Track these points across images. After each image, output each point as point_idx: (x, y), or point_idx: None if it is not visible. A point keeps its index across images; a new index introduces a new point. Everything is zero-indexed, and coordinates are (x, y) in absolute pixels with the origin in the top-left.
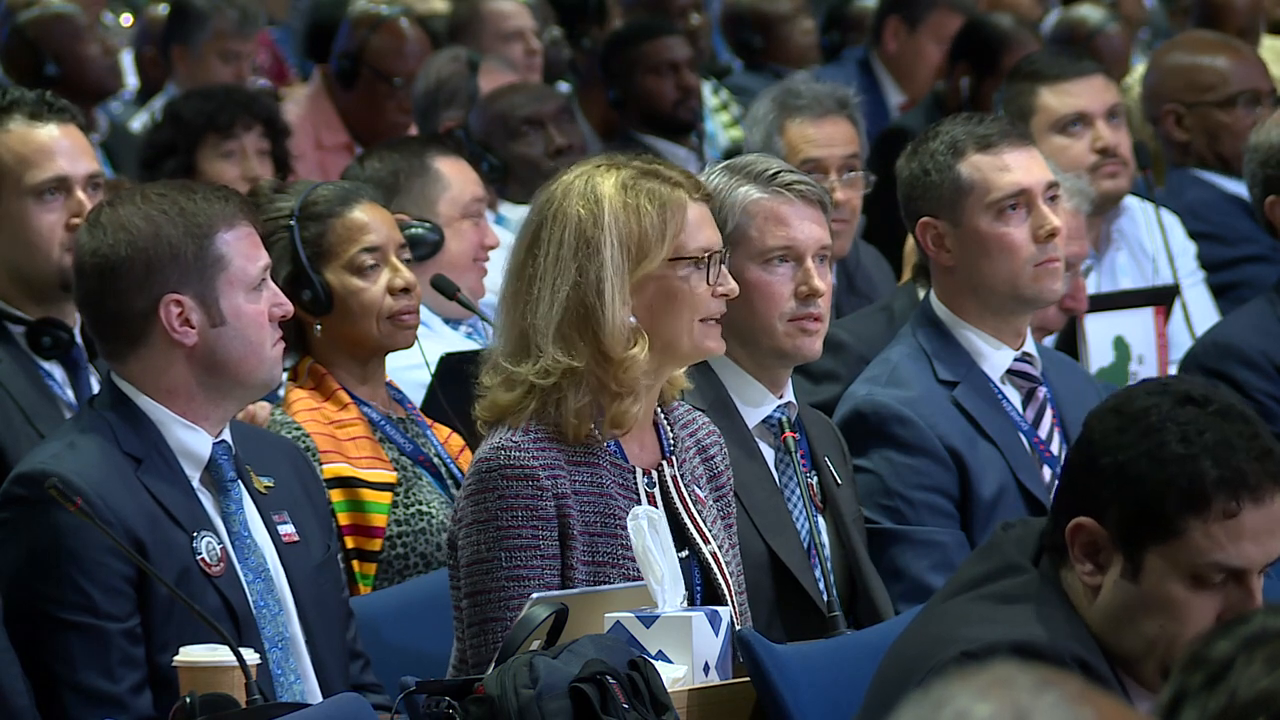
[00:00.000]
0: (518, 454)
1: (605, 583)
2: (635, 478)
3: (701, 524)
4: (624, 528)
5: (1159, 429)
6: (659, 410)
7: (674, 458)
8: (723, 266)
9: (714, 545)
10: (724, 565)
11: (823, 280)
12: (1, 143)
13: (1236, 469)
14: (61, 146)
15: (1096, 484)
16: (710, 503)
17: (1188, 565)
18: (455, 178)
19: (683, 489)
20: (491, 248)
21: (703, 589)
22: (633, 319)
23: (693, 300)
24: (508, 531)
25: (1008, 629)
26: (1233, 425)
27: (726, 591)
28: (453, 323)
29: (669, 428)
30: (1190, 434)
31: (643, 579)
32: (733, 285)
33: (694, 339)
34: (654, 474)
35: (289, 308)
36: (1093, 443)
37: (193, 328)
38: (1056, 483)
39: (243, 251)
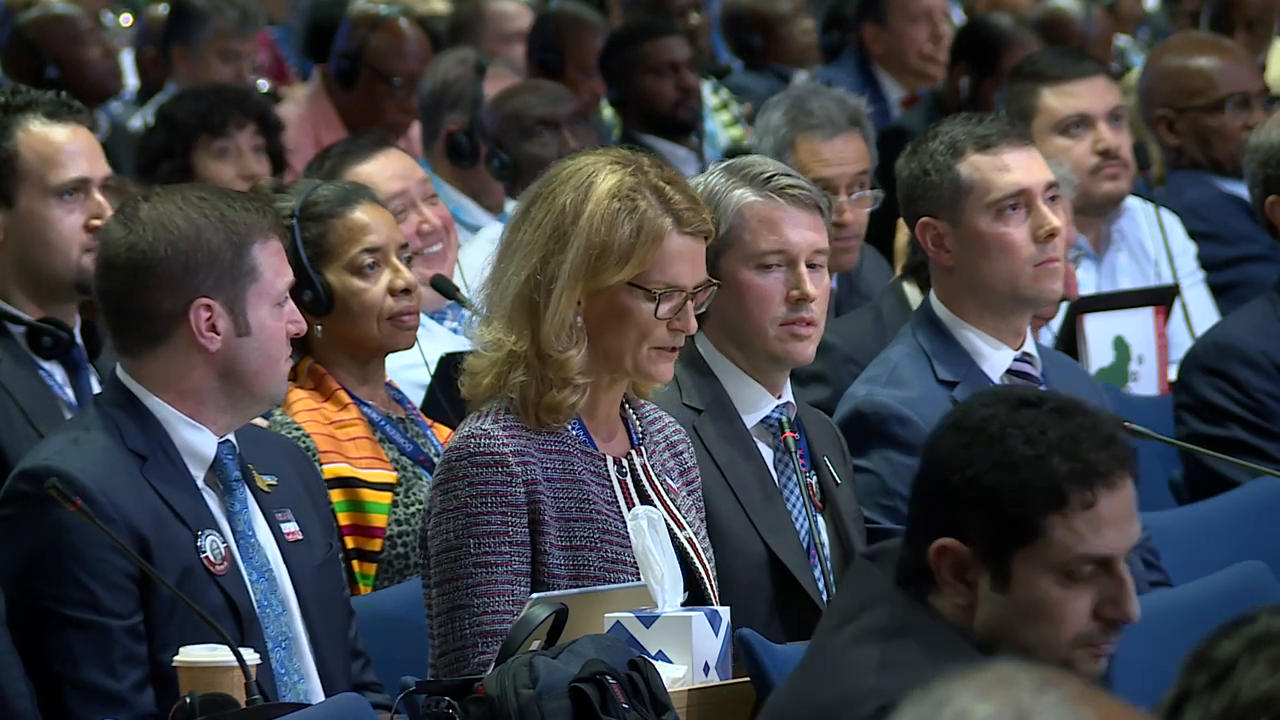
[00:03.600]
0: (488, 441)
1: (584, 566)
2: (606, 465)
3: (676, 511)
4: (599, 513)
5: (1002, 436)
6: (626, 406)
7: (643, 448)
8: (690, 303)
9: (689, 531)
10: (701, 552)
11: (815, 285)
12: (22, 142)
13: (1085, 460)
14: (81, 148)
15: (951, 503)
16: (684, 494)
17: (1056, 563)
18: (372, 174)
19: (654, 478)
20: (426, 234)
21: (684, 575)
22: (579, 319)
23: (641, 325)
24: (477, 518)
25: (913, 674)
26: (1072, 420)
27: (705, 575)
28: (436, 315)
29: (637, 422)
30: (1033, 435)
31: (617, 561)
32: (691, 326)
33: (637, 361)
34: (624, 462)
35: (303, 325)
36: (940, 463)
37: (218, 334)
38: (908, 515)
39: (274, 266)
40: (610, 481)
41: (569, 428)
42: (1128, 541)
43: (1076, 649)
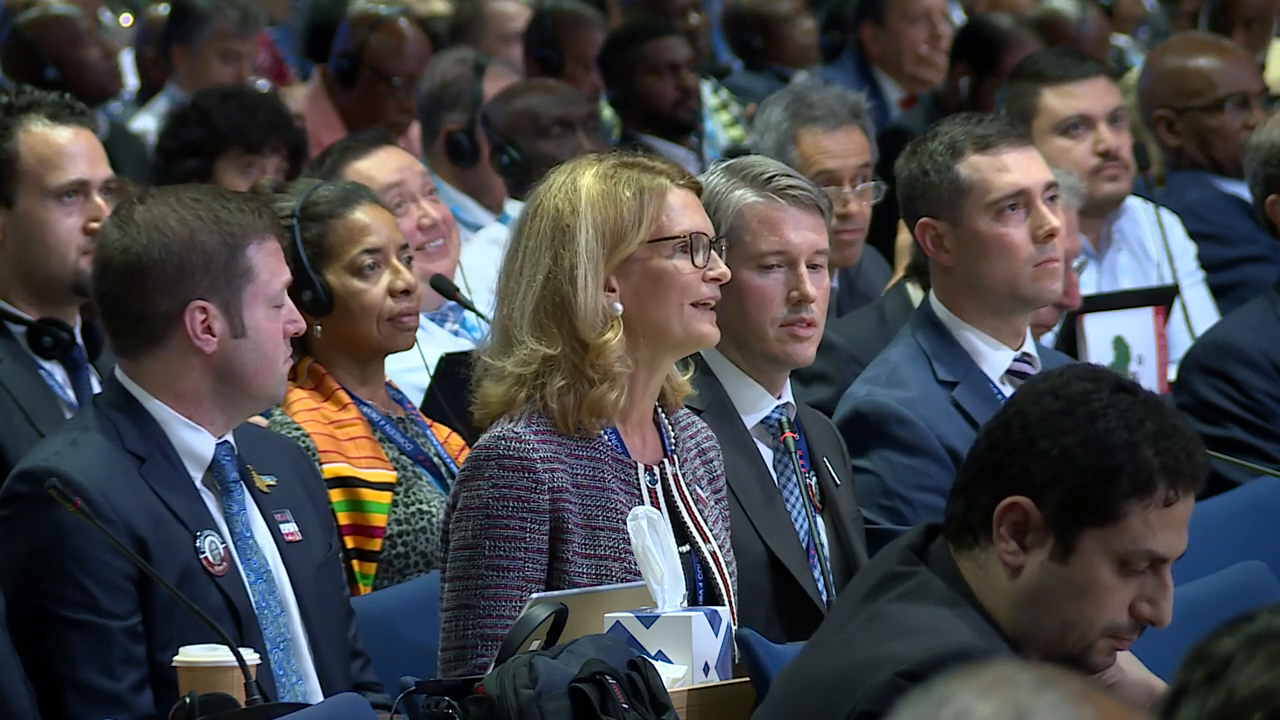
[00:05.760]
0: (517, 445)
1: (606, 576)
2: (637, 473)
3: (703, 523)
4: (625, 522)
5: (1102, 414)
6: (660, 410)
7: (675, 456)
8: (713, 252)
9: (714, 544)
10: (723, 564)
11: (815, 286)
12: (22, 143)
13: (1176, 459)
14: (81, 150)
15: (1035, 465)
16: (711, 503)
17: (1120, 550)
18: (371, 169)
19: (684, 487)
20: (427, 228)
21: (704, 586)
22: (619, 306)
23: (679, 283)
24: (496, 520)
25: (931, 638)
26: (1166, 417)
27: (725, 590)
28: (436, 318)
29: (670, 428)
30: (1132, 421)
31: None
32: (724, 269)
33: (684, 324)
34: (656, 470)
35: (302, 325)
36: (1030, 423)
37: (214, 336)
38: (971, 463)
39: (270, 266)
40: (640, 490)
41: (602, 434)
42: (1182, 548)
43: (1104, 637)
